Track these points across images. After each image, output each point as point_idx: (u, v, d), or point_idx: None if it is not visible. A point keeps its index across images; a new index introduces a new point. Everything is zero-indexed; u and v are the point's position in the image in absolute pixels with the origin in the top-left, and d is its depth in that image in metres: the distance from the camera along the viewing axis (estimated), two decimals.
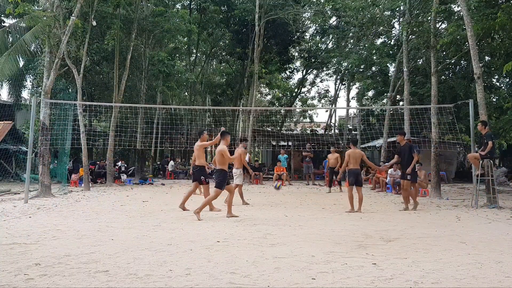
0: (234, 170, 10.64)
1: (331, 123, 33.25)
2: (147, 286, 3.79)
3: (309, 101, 37.03)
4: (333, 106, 33.14)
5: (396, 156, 10.16)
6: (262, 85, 34.21)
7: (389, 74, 24.44)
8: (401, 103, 23.35)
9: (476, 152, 10.69)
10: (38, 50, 18.90)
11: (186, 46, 29.08)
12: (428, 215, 8.98)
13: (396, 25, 23.02)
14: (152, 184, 18.14)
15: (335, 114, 33.89)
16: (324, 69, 32.15)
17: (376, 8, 19.67)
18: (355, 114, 35.71)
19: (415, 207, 9.86)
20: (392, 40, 23.82)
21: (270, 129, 28.72)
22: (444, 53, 17.53)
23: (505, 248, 5.47)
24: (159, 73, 20.68)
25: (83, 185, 15.02)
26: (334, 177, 15.27)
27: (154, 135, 24.06)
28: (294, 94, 35.29)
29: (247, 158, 17.52)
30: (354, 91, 32.47)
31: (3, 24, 20.96)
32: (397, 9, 20.17)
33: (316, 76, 34.23)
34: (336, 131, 32.66)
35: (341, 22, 25.57)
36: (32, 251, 5.04)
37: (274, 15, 23.05)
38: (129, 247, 5.30)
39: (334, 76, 31.85)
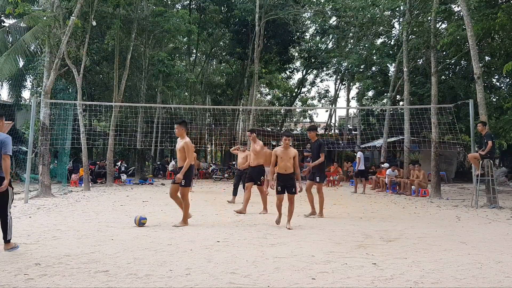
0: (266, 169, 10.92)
1: (331, 123, 33.24)
2: (147, 286, 3.79)
3: (309, 101, 37.05)
4: (333, 106, 33.12)
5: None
6: (262, 85, 34.26)
7: (389, 74, 24.45)
8: (401, 103, 23.35)
9: (476, 152, 10.69)
10: (38, 50, 18.87)
11: (186, 46, 29.08)
12: (428, 215, 8.99)
13: (396, 25, 23.05)
14: (152, 184, 18.14)
15: (335, 114, 33.91)
16: (324, 69, 32.15)
17: (376, 8, 19.70)
18: (355, 114, 35.75)
19: (313, 212, 8.43)
20: (392, 40, 23.84)
21: (270, 129, 28.70)
22: (444, 53, 17.54)
23: (505, 248, 5.47)
24: (159, 73, 20.68)
25: (83, 185, 15.01)
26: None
27: (154, 134, 24.07)
28: (294, 94, 35.29)
29: None
30: (354, 91, 32.51)
31: (3, 24, 20.95)
32: (397, 9, 20.18)
33: (316, 76, 34.27)
34: (336, 131, 32.65)
35: (341, 22, 25.57)
36: (32, 251, 5.04)
37: (274, 15, 23.06)
38: (129, 247, 5.29)
39: (334, 76, 31.85)
